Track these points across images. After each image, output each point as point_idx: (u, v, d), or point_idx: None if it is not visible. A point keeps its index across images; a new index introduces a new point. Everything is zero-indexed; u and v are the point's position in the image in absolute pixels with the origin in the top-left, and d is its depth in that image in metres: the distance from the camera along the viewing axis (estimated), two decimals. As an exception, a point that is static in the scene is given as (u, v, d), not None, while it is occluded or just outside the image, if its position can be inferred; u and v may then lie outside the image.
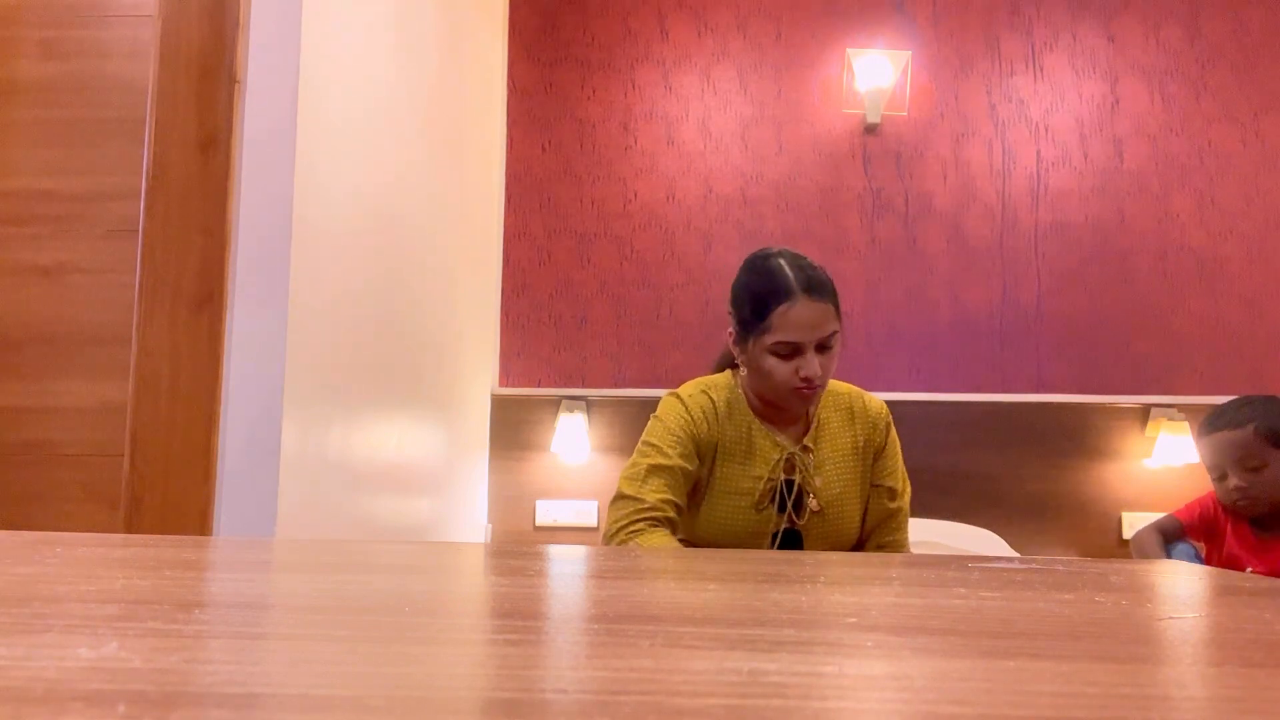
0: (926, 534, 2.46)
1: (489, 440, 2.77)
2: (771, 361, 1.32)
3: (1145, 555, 1.87)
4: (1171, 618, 0.46)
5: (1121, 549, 2.65)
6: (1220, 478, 1.74)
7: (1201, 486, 2.54)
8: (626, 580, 0.56)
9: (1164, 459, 2.60)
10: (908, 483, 1.47)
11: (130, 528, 1.27)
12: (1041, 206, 2.84)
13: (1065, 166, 2.85)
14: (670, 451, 1.36)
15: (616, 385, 2.81)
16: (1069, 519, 2.67)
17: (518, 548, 0.75)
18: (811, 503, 1.37)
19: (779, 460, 1.38)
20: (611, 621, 0.41)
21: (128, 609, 0.41)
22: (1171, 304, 2.79)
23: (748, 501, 1.37)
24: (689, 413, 1.40)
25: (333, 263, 1.53)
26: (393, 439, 1.88)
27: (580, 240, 2.88)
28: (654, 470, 1.35)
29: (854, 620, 0.42)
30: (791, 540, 1.39)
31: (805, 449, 1.40)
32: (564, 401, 2.73)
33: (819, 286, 1.31)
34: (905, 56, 2.84)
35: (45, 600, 0.43)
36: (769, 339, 1.31)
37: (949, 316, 2.81)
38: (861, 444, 1.42)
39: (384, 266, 1.81)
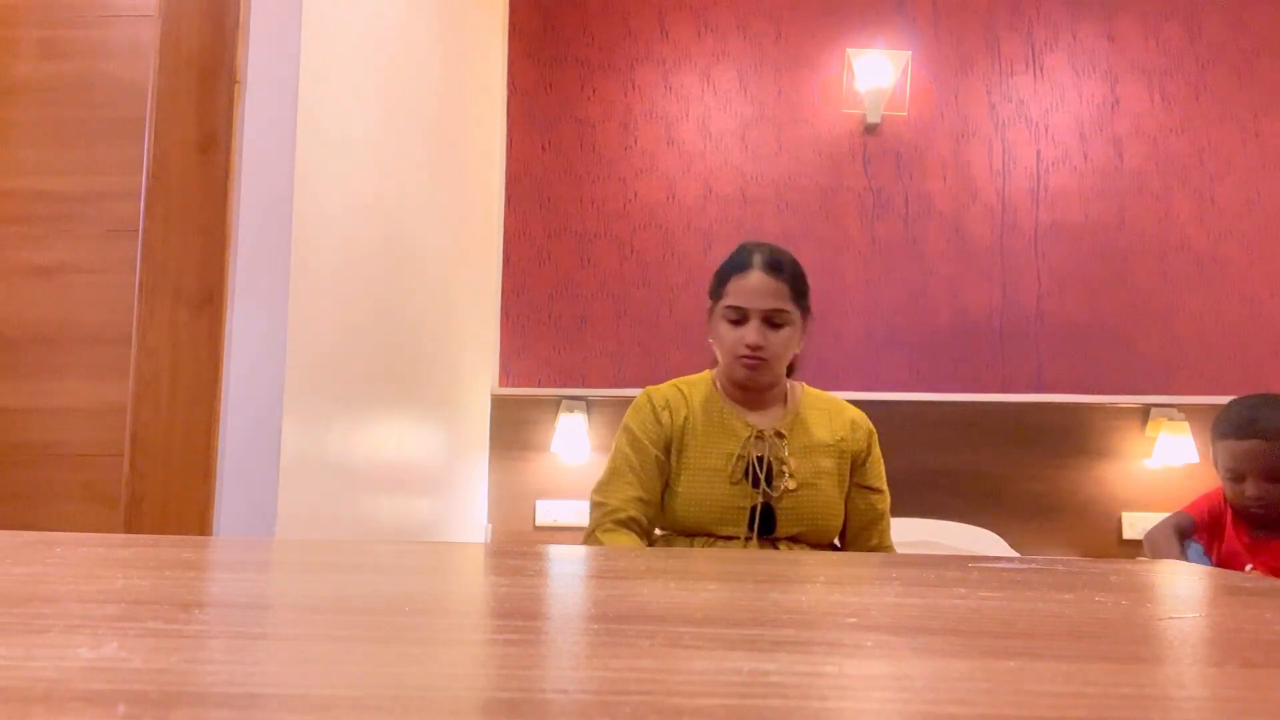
0: (926, 534, 2.46)
1: (489, 440, 2.77)
2: (723, 328, 1.45)
3: (1159, 553, 1.88)
4: (1171, 618, 0.46)
5: (1122, 549, 2.65)
6: (1237, 480, 1.75)
7: (1201, 486, 2.54)
8: (626, 580, 0.56)
9: (1164, 459, 2.60)
10: (888, 492, 1.56)
11: (130, 528, 1.27)
12: (1041, 206, 2.84)
13: (1065, 166, 2.85)
14: (630, 452, 1.47)
15: (616, 385, 2.81)
16: (1069, 519, 2.66)
17: (518, 548, 0.75)
18: (788, 481, 1.43)
19: (749, 436, 1.45)
20: (611, 621, 0.41)
21: (128, 609, 0.41)
22: (1171, 304, 2.79)
23: (722, 476, 1.44)
24: (651, 403, 1.50)
25: (332, 263, 1.53)
26: (393, 439, 1.88)
27: (580, 240, 2.88)
28: (615, 473, 1.47)
29: (854, 620, 0.42)
30: (769, 518, 1.42)
31: (779, 434, 1.47)
32: (564, 401, 2.73)
33: (777, 267, 1.43)
34: (905, 56, 2.84)
35: (45, 600, 0.43)
36: (722, 304, 1.45)
37: (949, 316, 2.81)
38: (838, 440, 1.49)
39: (384, 267, 1.81)
